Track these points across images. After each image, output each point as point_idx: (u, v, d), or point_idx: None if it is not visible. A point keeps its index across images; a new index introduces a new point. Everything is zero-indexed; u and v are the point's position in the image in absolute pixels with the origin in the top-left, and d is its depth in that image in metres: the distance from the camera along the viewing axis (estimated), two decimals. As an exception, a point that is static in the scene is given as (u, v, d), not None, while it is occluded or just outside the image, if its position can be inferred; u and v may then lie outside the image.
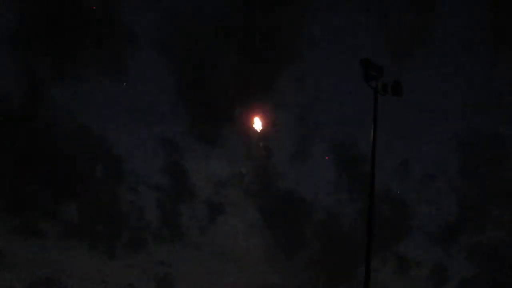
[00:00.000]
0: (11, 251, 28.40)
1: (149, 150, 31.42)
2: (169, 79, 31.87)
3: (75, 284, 29.10)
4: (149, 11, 32.10)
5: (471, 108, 32.10)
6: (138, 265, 30.05)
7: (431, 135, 32.34)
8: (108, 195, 30.37)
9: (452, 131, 32.00)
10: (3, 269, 28.29)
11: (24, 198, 28.86)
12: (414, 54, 32.23)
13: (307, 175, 32.00)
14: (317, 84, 33.19)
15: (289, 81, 32.46)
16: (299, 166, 32.15)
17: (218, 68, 31.98)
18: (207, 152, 31.77)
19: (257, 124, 29.06)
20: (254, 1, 31.75)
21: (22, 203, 28.84)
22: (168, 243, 30.67)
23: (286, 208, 31.29)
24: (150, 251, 30.40)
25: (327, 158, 32.21)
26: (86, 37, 30.72)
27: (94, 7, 30.33)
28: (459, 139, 31.67)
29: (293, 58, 32.06)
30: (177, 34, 31.40)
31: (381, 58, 30.03)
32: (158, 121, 31.79)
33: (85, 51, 30.73)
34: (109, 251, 29.75)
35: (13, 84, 29.89)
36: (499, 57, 31.59)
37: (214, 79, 31.99)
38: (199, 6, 31.58)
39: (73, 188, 29.59)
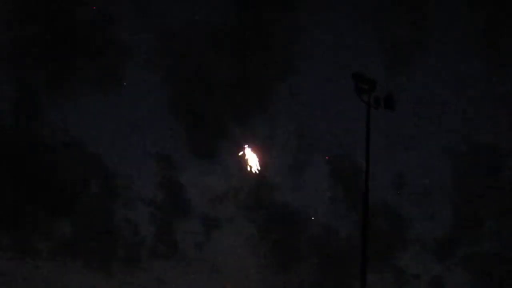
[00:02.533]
0: (3, 269, 28.34)
1: (144, 165, 31.31)
2: (163, 93, 31.81)
3: (69, 303, 28.99)
4: (143, 25, 32.12)
5: (467, 119, 32.07)
6: (133, 282, 29.87)
7: (426, 147, 32.22)
8: (102, 211, 30.28)
9: (448, 142, 31.95)
10: (-5, 287, 28.21)
11: (17, 214, 28.78)
12: (409, 66, 32.20)
13: (303, 188, 31.85)
14: (313, 96, 33.07)
15: (284, 94, 32.42)
16: (295, 179, 32.03)
17: (213, 81, 31.95)
18: (202, 166, 31.64)
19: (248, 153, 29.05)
20: (248, 14, 31.80)
21: (14, 220, 28.75)
22: (163, 259, 30.55)
23: (282, 222, 31.16)
24: (145, 268, 30.26)
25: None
26: (80, 51, 30.77)
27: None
28: (455, 150, 31.62)
29: (288, 70, 32.02)
30: (171, 48, 31.43)
31: (375, 69, 30.47)
32: (152, 136, 31.72)
33: (79, 65, 30.78)
34: (103, 268, 29.61)
35: (5, 98, 29.99)
36: (494, 68, 31.57)
37: (208, 93, 31.96)
38: (192, 21, 31.64)
39: (66, 204, 29.50)
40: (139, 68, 31.52)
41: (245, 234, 31.21)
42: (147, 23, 31.89)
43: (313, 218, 31.50)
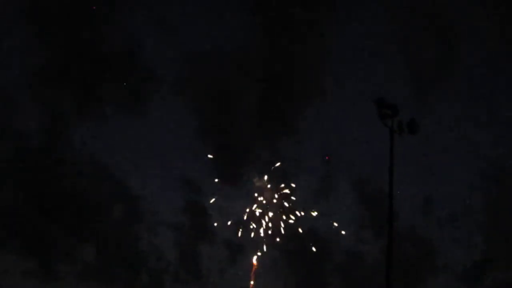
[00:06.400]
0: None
1: (168, 189, 31.26)
2: (189, 118, 31.82)
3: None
4: (170, 51, 32.35)
5: (496, 142, 31.58)
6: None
7: (455, 172, 31.72)
8: (127, 235, 30.27)
9: (476, 167, 31.41)
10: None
11: (42, 239, 28.85)
12: (436, 91, 31.93)
13: (329, 212, 31.47)
14: (340, 121, 32.90)
15: (311, 118, 32.25)
16: (321, 204, 31.70)
17: (239, 106, 31.94)
18: (227, 191, 31.47)
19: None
20: (275, 40, 31.81)
21: (40, 244, 28.82)
22: (186, 284, 30.38)
23: (307, 247, 30.80)
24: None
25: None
26: (106, 77, 31.02)
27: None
28: (484, 175, 31.04)
29: (315, 95, 31.87)
30: (197, 73, 31.52)
31: (403, 94, 30.22)
32: (177, 160, 31.68)
33: (106, 90, 31.02)
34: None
35: (34, 122, 30.27)
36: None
37: (234, 117, 31.93)
38: (219, 45, 31.76)
39: (91, 228, 29.54)
40: (165, 93, 31.68)
41: (269, 259, 31.04)
42: (174, 49, 32.18)
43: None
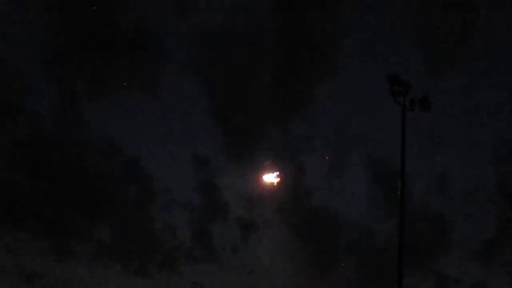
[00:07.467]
0: (45, 273, 28.81)
1: (181, 168, 31.39)
2: (201, 97, 31.82)
3: (108, 305, 29.26)
4: (181, 30, 32.20)
5: (509, 120, 31.31)
6: (170, 285, 30.07)
7: (469, 148, 31.50)
8: (140, 215, 30.52)
9: (490, 144, 31.15)
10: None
11: (57, 218, 29.18)
12: (449, 67, 31.56)
13: (342, 191, 31.47)
14: (352, 98, 32.69)
15: (322, 96, 32.11)
16: (333, 182, 31.69)
17: (251, 84, 31.87)
18: (239, 169, 31.59)
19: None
20: (285, 17, 31.63)
21: (54, 224, 29.14)
22: (200, 262, 30.63)
23: (320, 226, 30.88)
24: (183, 271, 30.38)
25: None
26: (119, 55, 31.01)
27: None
28: (498, 151, 30.80)
29: (326, 72, 31.68)
30: (210, 51, 31.46)
31: (416, 70, 29.93)
32: (190, 139, 31.78)
33: (118, 69, 31.03)
34: (141, 271, 29.86)
35: (45, 102, 30.43)
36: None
37: (246, 96, 31.88)
38: (231, 23, 31.60)
39: (105, 208, 29.78)
40: (177, 72, 31.64)
41: (282, 237, 31.17)
42: (185, 28, 31.99)
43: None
